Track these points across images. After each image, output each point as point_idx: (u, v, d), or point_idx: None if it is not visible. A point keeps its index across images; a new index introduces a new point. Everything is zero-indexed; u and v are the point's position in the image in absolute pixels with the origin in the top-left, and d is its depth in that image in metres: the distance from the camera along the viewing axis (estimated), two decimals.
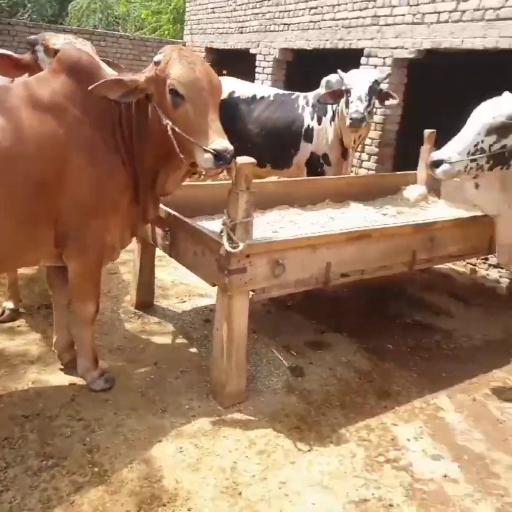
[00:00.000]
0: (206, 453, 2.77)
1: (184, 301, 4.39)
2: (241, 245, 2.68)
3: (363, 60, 6.26)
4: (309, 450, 2.86)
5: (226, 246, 2.68)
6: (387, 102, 5.00)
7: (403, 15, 5.73)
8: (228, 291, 2.82)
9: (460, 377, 3.60)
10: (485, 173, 3.16)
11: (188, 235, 3.14)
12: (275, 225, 4.10)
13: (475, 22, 4.96)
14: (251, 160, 2.70)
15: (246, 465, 2.72)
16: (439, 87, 7.26)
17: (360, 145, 5.31)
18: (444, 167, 3.02)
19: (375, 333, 4.11)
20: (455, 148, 3.04)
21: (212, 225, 3.41)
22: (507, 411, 3.27)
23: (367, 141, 6.51)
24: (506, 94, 3.22)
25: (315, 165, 5.23)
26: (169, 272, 4.82)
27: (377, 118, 6.27)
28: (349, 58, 6.29)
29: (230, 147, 2.62)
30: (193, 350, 3.71)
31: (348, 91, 4.65)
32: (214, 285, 2.96)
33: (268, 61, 8.09)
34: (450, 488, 2.67)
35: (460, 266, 5.51)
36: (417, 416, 3.19)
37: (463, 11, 5.07)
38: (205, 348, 3.69)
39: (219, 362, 3.06)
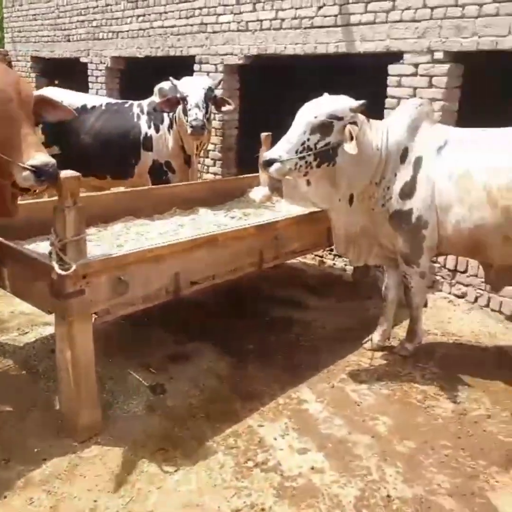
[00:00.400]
0: (61, 498, 2.50)
1: (26, 333, 3.98)
2: (74, 266, 2.46)
3: (196, 67, 6.28)
4: (176, 470, 2.72)
5: (57, 268, 2.44)
6: (223, 108, 5.06)
7: (229, 22, 5.85)
8: (67, 317, 2.58)
9: (319, 367, 3.72)
10: (314, 171, 3.30)
11: (16, 260, 2.82)
12: (120, 238, 3.89)
13: (294, 29, 5.22)
14: (75, 173, 2.50)
15: (108, 502, 2.50)
16: (276, 89, 7.56)
17: (202, 151, 5.29)
18: (276, 166, 3.11)
19: (236, 335, 4.10)
20: (284, 148, 3.14)
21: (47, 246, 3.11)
22: (363, 393, 3.44)
23: (210, 146, 6.55)
24: (325, 95, 3.40)
25: (159, 173, 5.11)
26: (7, 302, 4.34)
27: (216, 123, 6.33)
28: (184, 65, 6.28)
29: (51, 161, 2.40)
30: (40, 384, 3.36)
31: (184, 99, 4.60)
32: (50, 312, 2.69)
33: (101, 70, 7.78)
34: (317, 479, 2.71)
35: (309, 259, 5.76)
36: (281, 413, 3.22)
37: (283, 19, 5.31)
38: (54, 381, 3.36)
39: (68, 394, 2.80)
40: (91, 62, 7.93)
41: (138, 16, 6.87)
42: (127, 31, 7.10)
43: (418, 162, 3.38)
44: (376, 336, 3.95)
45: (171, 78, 4.81)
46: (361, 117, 3.34)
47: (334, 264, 5.64)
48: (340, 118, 3.19)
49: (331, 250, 5.58)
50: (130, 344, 3.90)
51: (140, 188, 4.75)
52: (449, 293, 4.68)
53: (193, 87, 4.64)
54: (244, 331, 4.17)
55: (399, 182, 3.40)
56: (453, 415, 3.21)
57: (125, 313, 2.98)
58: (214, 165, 6.55)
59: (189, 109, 4.54)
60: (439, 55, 4.39)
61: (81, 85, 7.02)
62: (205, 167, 6.65)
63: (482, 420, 3.16)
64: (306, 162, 3.21)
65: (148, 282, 2.92)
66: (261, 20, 5.49)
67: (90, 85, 8.00)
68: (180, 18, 6.28)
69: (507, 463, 2.82)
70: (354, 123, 3.23)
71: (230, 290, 4.63)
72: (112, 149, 5.07)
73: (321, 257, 5.74)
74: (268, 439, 2.99)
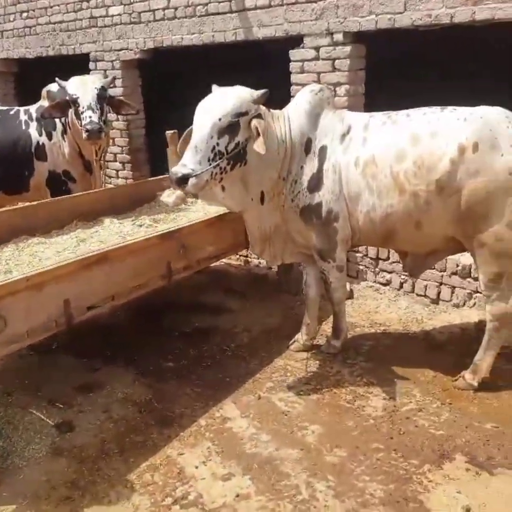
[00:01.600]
0: None
1: None
2: None
3: (91, 65, 5.85)
4: None
5: None
6: (124, 112, 4.74)
7: (120, 15, 5.47)
8: None
9: (244, 377, 3.48)
10: (229, 174, 3.04)
11: None
12: (10, 263, 3.49)
13: (189, 18, 4.92)
14: None
15: None
16: (182, 83, 7.20)
17: (103, 155, 4.90)
18: (192, 181, 2.79)
19: (153, 353, 3.78)
20: (196, 158, 2.81)
21: None
22: (291, 400, 3.23)
23: (117, 149, 6.17)
24: (214, 87, 3.13)
25: (58, 184, 4.70)
26: None
27: (119, 124, 5.94)
28: (81, 64, 5.83)
29: None
30: None
31: (74, 102, 4.22)
32: None
33: None
34: (243, 507, 2.47)
35: (233, 259, 5.51)
36: (203, 435, 2.95)
37: (176, 8, 4.99)
38: None
39: None
40: None
41: (22, 12, 6.31)
42: (12, 29, 6.53)
43: (322, 151, 3.18)
44: (302, 336, 3.75)
45: (57, 79, 4.39)
46: (263, 109, 3.11)
47: (260, 263, 5.40)
48: (244, 114, 2.94)
49: None
50: (34, 376, 3.51)
51: (33, 202, 4.31)
52: (374, 281, 4.57)
53: (83, 88, 4.26)
54: (162, 348, 3.85)
55: (306, 175, 3.20)
56: (384, 414, 3.05)
57: (9, 352, 2.60)
58: (123, 168, 6.15)
59: (82, 112, 4.18)
60: (339, 37, 4.21)
61: None
62: (114, 172, 6.23)
63: (413, 415, 3.02)
64: (220, 168, 2.93)
65: (30, 315, 2.56)
66: (154, 10, 5.14)
67: None
68: (67, 12, 5.81)
69: (439, 459, 2.69)
70: (259, 116, 2.98)
71: (148, 302, 4.31)
72: (0, 162, 4.59)
73: (246, 256, 5.49)
74: (188, 469, 2.71)
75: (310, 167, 3.19)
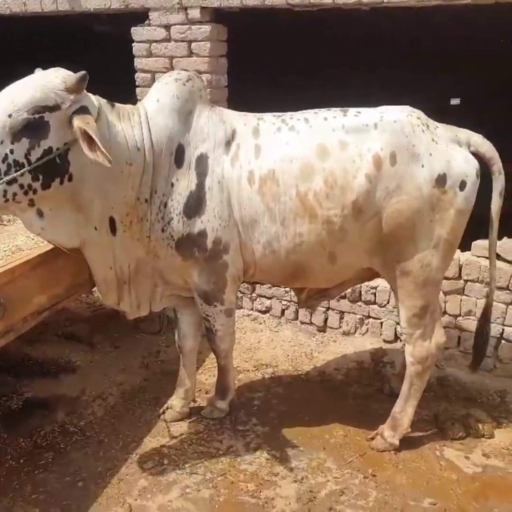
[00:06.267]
0: None
1: None
2: None
3: None
4: None
5: None
6: None
7: None
8: None
9: (104, 476, 2.54)
10: (42, 194, 2.08)
11: None
12: None
13: None
14: None
15: None
16: None
17: None
18: None
19: None
20: None
21: None
22: (176, 508, 2.37)
23: None
24: (37, 71, 2.14)
25: None
26: None
27: None
28: None
29: None
30: None
31: None
32: None
33: None
34: None
35: None
36: None
37: None
38: None
39: None
40: None
41: None
42: None
43: (201, 162, 2.36)
44: (177, 402, 2.90)
45: None
46: (97, 100, 2.20)
47: None
48: (53, 108, 2.02)
49: None
50: None
51: None
52: (251, 309, 3.87)
53: None
54: None
55: (180, 194, 2.35)
56: (300, 507, 2.35)
57: None
58: None
59: None
60: (195, 13, 3.35)
61: None
62: None
63: (335, 501, 2.37)
64: (21, 186, 2.02)
65: None
66: None
67: None
68: None
69: None
70: (83, 110, 2.07)
71: None
72: None
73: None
74: None
75: (185, 184, 2.35)
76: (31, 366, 3.39)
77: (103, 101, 2.24)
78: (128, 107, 2.38)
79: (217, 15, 3.38)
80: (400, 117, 2.34)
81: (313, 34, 5.07)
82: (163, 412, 2.91)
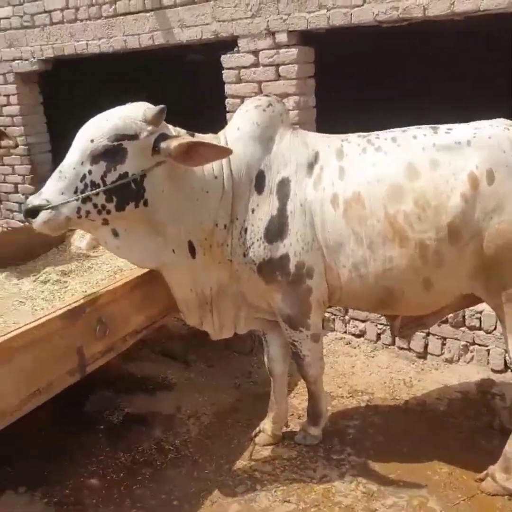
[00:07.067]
0: None
1: None
2: None
3: None
4: None
5: None
6: (2, 143, 3.81)
7: (8, 17, 4.41)
8: None
9: (197, 497, 2.54)
10: (116, 215, 2.23)
11: None
12: None
13: (93, 20, 3.96)
14: None
15: None
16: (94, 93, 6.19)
17: None
18: (43, 216, 2.14)
19: (69, 466, 2.77)
20: (56, 187, 2.16)
21: None
22: None
23: (18, 178, 5.11)
24: (128, 104, 2.27)
25: None
26: None
27: (18, 149, 4.87)
28: None
29: None
30: None
31: None
32: None
33: None
34: None
35: None
36: None
37: (77, 8, 4.01)
38: None
39: None
40: None
41: None
42: None
43: (283, 187, 2.35)
44: (268, 426, 2.85)
45: None
46: (175, 130, 2.31)
47: None
48: (132, 137, 2.14)
49: None
50: None
51: None
52: (345, 332, 3.76)
53: None
54: (82, 453, 2.84)
55: (262, 219, 2.36)
56: None
57: None
58: None
59: None
60: (282, 38, 3.40)
61: None
62: (17, 205, 5.14)
63: None
64: (94, 205, 2.17)
65: None
66: (50, 11, 4.14)
67: None
68: None
69: None
70: (164, 137, 2.18)
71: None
72: None
73: None
74: None
75: (266, 209, 2.36)
76: (130, 382, 3.51)
77: (183, 131, 2.33)
78: (209, 136, 2.43)
79: (304, 37, 3.40)
80: (496, 132, 2.18)
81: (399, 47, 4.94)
82: (255, 435, 2.88)
